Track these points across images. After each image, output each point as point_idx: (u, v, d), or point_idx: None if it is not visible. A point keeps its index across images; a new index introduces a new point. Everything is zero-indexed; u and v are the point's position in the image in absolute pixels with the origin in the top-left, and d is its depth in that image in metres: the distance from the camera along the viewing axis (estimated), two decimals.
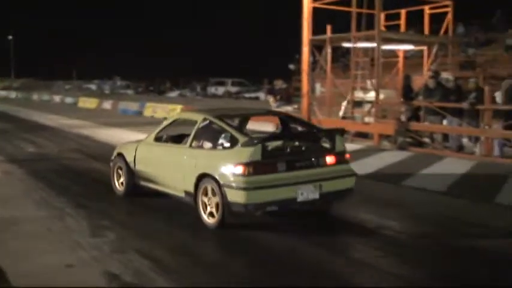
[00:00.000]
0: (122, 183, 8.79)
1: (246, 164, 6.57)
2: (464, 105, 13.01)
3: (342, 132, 7.60)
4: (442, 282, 5.31)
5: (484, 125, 12.81)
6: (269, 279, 5.35)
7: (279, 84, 19.36)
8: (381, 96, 15.68)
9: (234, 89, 49.43)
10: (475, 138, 13.36)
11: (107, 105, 34.29)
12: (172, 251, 6.20)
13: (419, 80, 16.05)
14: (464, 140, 13.89)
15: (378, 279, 5.34)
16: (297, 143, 7.38)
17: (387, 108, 16.13)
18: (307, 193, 6.86)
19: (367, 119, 15.41)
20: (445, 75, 15.11)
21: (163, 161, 8.01)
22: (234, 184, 6.58)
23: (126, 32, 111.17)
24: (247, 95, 45.99)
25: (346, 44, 17.86)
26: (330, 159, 7.24)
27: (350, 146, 14.36)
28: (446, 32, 17.52)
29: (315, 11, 17.03)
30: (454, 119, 13.45)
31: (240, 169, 6.57)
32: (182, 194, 7.50)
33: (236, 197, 6.56)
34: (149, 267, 5.60)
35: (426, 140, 14.22)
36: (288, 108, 17.14)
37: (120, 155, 8.85)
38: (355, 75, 16.44)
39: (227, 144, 7.31)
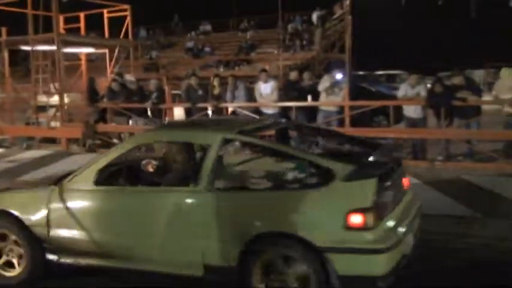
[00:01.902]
0: (14, 263, 5.41)
1: (368, 210, 4.11)
2: (147, 105, 13.61)
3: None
4: None
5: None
6: None
7: None
8: (66, 99, 15.39)
9: None
10: None
11: None
12: None
13: (105, 82, 16.21)
14: None
15: None
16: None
17: (73, 112, 15.90)
18: (409, 241, 4.60)
19: (53, 124, 14.97)
20: (128, 77, 15.61)
21: (139, 220, 4.88)
22: (352, 246, 4.09)
23: None
24: None
25: (24, 47, 17.01)
26: (406, 183, 5.16)
27: (38, 153, 13.86)
28: (126, 35, 18.03)
29: None
30: (139, 118, 13.96)
31: (358, 219, 4.11)
32: (196, 272, 4.62)
33: (361, 266, 4.11)
34: None
35: (115, 140, 14.47)
36: None
37: (4, 213, 5.40)
38: (37, 79, 15.80)
39: (309, 180, 4.63)
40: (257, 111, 12.48)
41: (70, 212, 5.11)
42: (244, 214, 4.46)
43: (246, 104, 12.62)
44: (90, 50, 18.49)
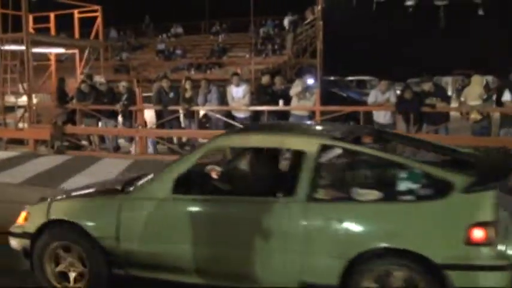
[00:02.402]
0: (75, 277, 4.92)
1: (490, 224, 3.85)
2: (117, 107, 13.48)
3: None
4: None
5: (138, 125, 13.47)
6: None
7: None
8: (34, 100, 15.16)
9: None
10: (129, 138, 13.99)
11: None
12: None
13: (74, 84, 16.03)
14: (121, 141, 14.43)
15: None
16: None
17: (42, 113, 15.66)
18: None
19: (20, 125, 14.72)
20: (98, 78, 15.45)
21: (227, 232, 4.49)
22: (473, 262, 3.85)
23: None
24: None
25: None
26: None
27: (5, 154, 13.61)
28: (97, 36, 17.85)
29: None
30: (109, 120, 13.83)
31: (480, 233, 3.83)
32: None
33: (482, 284, 3.87)
34: None
35: (84, 142, 14.31)
36: None
37: (61, 224, 4.94)
38: (5, 79, 15.52)
39: (425, 191, 4.25)
40: (229, 114, 12.49)
41: (145, 223, 4.66)
42: (350, 228, 4.10)
43: (217, 107, 12.63)
44: (60, 50, 18.30)
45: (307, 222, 4.18)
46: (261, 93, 12.53)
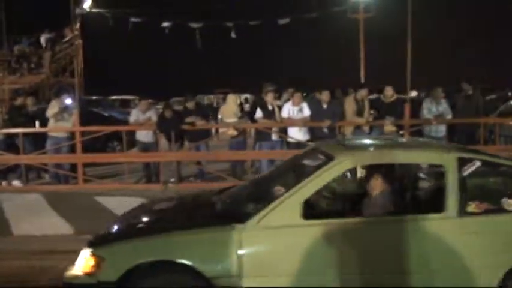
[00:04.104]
0: None
1: None
2: None
3: None
4: None
5: None
6: None
7: None
8: None
9: None
10: None
11: None
12: None
13: None
14: None
15: None
16: None
17: None
18: None
19: None
20: None
21: (379, 258, 4.17)
22: None
23: None
24: None
25: None
26: None
27: None
28: None
29: None
30: None
31: None
32: None
33: None
34: None
35: None
36: None
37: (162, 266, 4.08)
38: None
39: None
40: None
41: (275, 255, 4.17)
42: (505, 240, 4.24)
43: None
44: None
45: (462, 237, 4.20)
46: (14, 115, 11.71)
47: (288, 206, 4.22)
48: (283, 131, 10.80)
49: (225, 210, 4.68)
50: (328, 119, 10.47)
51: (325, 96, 10.78)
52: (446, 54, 38.19)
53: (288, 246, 4.19)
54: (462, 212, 4.27)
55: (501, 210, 4.40)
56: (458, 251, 4.17)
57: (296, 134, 10.61)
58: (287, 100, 11.43)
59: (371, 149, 5.05)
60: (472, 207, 4.35)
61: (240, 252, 4.12)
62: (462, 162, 4.41)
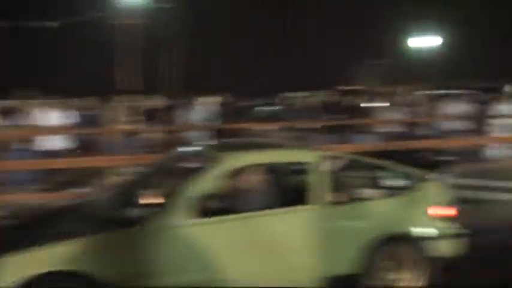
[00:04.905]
0: None
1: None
2: None
3: None
4: None
5: None
6: None
7: None
8: None
9: None
10: None
11: None
12: None
13: None
14: None
15: None
16: None
17: None
18: None
19: None
20: None
21: (263, 249, 4.61)
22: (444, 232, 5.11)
23: None
24: None
25: None
26: None
27: None
28: None
29: None
30: None
31: (452, 211, 5.22)
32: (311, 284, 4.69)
33: (442, 248, 5.08)
34: None
35: None
36: None
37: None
38: None
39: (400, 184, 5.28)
40: None
41: (167, 255, 4.31)
42: (364, 221, 4.87)
43: None
44: None
45: (327, 223, 4.74)
46: None
47: (174, 207, 4.41)
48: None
49: (109, 216, 4.68)
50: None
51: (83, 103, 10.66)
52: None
53: (178, 246, 4.34)
54: (325, 202, 4.80)
55: (359, 199, 5.05)
56: (319, 236, 4.69)
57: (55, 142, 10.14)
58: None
59: (249, 149, 5.37)
60: (335, 197, 4.87)
61: (132, 255, 4.23)
62: (324, 159, 4.95)
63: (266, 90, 24.11)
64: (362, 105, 15.19)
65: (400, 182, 5.29)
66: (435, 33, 37.27)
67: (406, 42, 38.54)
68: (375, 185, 5.31)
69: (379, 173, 5.40)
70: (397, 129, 12.97)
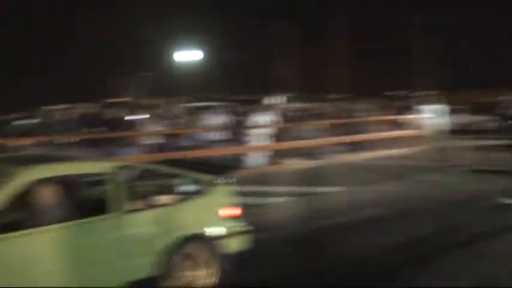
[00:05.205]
0: None
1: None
2: None
3: None
4: None
5: None
6: None
7: None
8: None
9: None
10: None
11: None
12: None
13: None
14: None
15: None
16: None
17: None
18: None
19: None
20: None
21: (67, 259, 4.51)
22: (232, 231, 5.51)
23: None
24: None
25: None
26: None
27: None
28: None
29: None
30: None
31: (238, 211, 5.61)
32: None
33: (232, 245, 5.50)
34: None
35: None
36: None
37: None
38: None
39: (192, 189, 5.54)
40: None
41: None
42: (161, 225, 5.04)
43: None
44: None
45: (126, 230, 4.84)
46: None
47: None
48: None
49: None
50: None
51: None
52: None
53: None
54: (123, 211, 4.86)
55: (155, 205, 5.19)
56: (119, 243, 4.81)
57: None
58: None
59: (46, 162, 5.23)
60: (132, 205, 4.97)
61: None
62: (121, 170, 5.03)
63: (25, 104, 22.89)
64: (126, 118, 15.13)
65: (192, 188, 5.53)
66: (198, 48, 38.81)
67: (171, 56, 39.41)
68: (169, 192, 5.46)
69: (172, 180, 5.58)
70: (160, 140, 13.19)
